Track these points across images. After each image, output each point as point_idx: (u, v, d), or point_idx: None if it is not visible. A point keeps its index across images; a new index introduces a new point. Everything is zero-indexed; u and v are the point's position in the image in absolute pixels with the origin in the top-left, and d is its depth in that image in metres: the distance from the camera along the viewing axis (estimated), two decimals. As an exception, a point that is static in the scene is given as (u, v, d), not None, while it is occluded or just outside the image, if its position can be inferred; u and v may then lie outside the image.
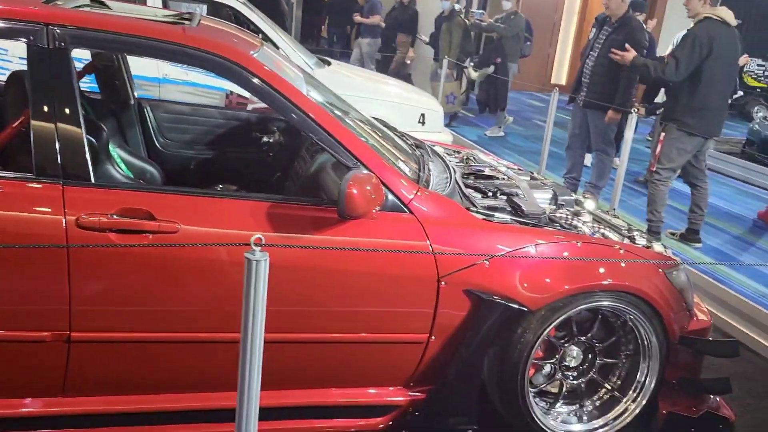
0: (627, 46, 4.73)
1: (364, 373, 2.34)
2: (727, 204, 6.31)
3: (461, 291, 2.26)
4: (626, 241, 2.72)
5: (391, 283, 2.20)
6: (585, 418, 2.55)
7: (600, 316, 2.51)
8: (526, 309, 2.29)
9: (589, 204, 3.24)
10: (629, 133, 4.55)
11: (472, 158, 3.38)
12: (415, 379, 2.37)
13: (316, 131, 2.19)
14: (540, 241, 2.36)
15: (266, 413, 2.24)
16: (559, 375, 2.54)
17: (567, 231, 2.53)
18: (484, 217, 2.40)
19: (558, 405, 2.55)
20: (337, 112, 2.60)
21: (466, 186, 2.78)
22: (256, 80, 2.14)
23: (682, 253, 4.83)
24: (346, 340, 2.23)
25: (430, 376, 2.37)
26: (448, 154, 3.53)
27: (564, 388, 2.55)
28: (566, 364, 2.55)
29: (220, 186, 2.95)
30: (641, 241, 2.78)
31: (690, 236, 4.99)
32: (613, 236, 2.72)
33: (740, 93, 8.08)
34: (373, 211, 2.13)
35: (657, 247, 2.80)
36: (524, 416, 2.40)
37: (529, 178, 3.31)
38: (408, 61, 9.76)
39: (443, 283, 2.23)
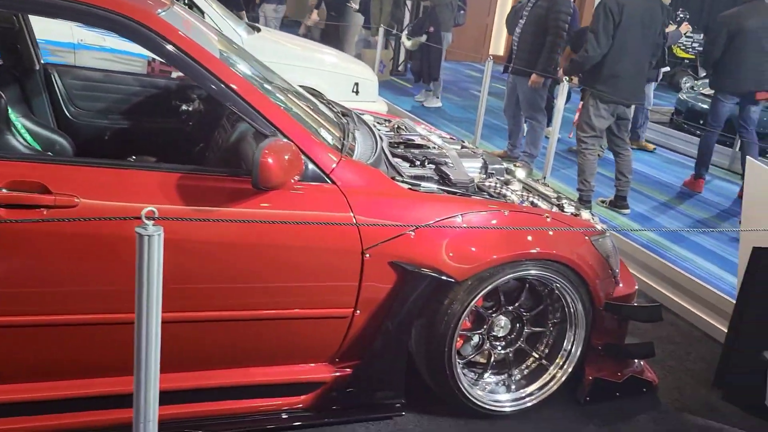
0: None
1: (287, 350, 2.26)
2: (656, 172, 6.47)
3: (386, 263, 2.19)
4: (554, 209, 2.71)
5: (312, 257, 2.11)
6: (513, 387, 2.55)
7: (527, 285, 2.49)
8: (452, 280, 2.25)
9: (520, 173, 3.23)
10: (560, 102, 4.56)
11: (403, 127, 3.30)
12: (341, 354, 2.30)
13: (231, 98, 2.06)
14: (467, 211, 2.31)
15: (182, 395, 2.15)
16: (487, 345, 2.52)
17: (495, 200, 2.49)
18: (410, 186, 2.33)
19: (486, 375, 2.54)
20: (257, 78, 2.47)
21: (394, 155, 2.71)
22: (159, 40, 1.98)
23: (611, 220, 4.92)
24: (266, 317, 2.13)
25: (356, 351, 2.31)
26: (378, 123, 3.45)
27: (492, 358, 2.54)
28: (494, 334, 2.53)
29: (133, 158, 2.78)
30: (569, 209, 2.78)
31: (618, 203, 5.10)
32: (542, 204, 2.70)
33: (667, 69, 8.20)
34: (292, 181, 2.02)
35: (584, 214, 2.81)
36: (451, 388, 2.37)
37: (459, 147, 3.28)
38: (309, 24, 9.48)
39: (367, 255, 2.16)
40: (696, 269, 4.14)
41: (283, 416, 2.28)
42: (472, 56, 12.20)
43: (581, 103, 4.82)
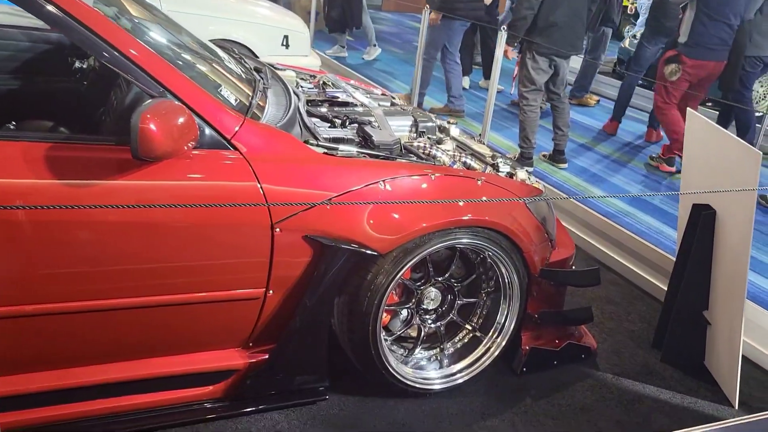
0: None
1: (192, 337, 2.03)
2: (597, 123, 6.37)
3: (300, 238, 1.97)
4: (488, 169, 2.53)
5: (214, 234, 1.87)
6: (445, 362, 2.39)
7: (458, 254, 2.31)
8: (375, 253, 2.05)
9: (454, 130, 3.03)
10: (498, 51, 4.35)
11: (328, 83, 3.04)
12: (255, 338, 2.09)
13: (110, 54, 1.76)
14: (390, 176, 2.10)
15: (78, 393, 1.92)
16: (416, 320, 2.35)
17: (423, 162, 2.28)
18: (326, 151, 2.10)
19: (417, 351, 2.37)
20: (151, 33, 2.17)
21: (312, 115, 2.46)
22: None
23: (551, 175, 4.80)
24: (164, 302, 1.89)
25: (271, 335, 2.10)
26: (302, 79, 3.18)
27: (423, 333, 2.37)
28: (424, 307, 2.36)
29: (12, 124, 2.44)
30: (505, 168, 2.61)
31: (556, 157, 5.01)
32: (475, 165, 2.52)
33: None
34: (186, 148, 1.77)
35: (521, 174, 2.64)
36: (377, 367, 2.20)
37: (389, 105, 3.05)
38: None
39: (277, 229, 1.93)
40: (636, 224, 4.06)
41: (194, 408, 2.07)
42: (414, 7, 11.82)
43: (519, 55, 4.64)
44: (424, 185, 2.15)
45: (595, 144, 5.75)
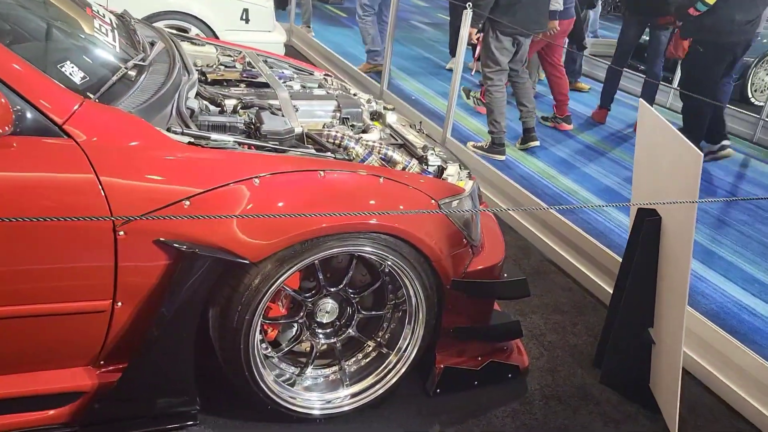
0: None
1: (31, 354, 1.75)
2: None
3: (151, 242, 1.68)
4: (414, 163, 2.23)
5: (45, 236, 1.59)
6: (346, 381, 2.11)
7: (357, 261, 2.02)
8: (246, 261, 1.76)
9: (391, 117, 2.73)
10: (464, 31, 4.01)
11: (265, 62, 2.82)
12: (106, 356, 1.82)
13: None
14: (268, 171, 1.80)
15: None
16: (306, 335, 2.06)
17: (319, 156, 1.98)
18: (192, 140, 1.80)
19: (309, 370, 2.09)
20: None
21: (203, 98, 2.17)
22: None
23: (521, 164, 4.47)
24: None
25: (126, 351, 1.82)
26: (227, 56, 2.89)
27: (315, 350, 2.08)
28: (319, 320, 2.07)
29: None
30: (435, 161, 2.31)
31: (526, 135, 4.75)
32: (398, 157, 2.22)
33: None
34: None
35: (451, 168, 2.33)
36: (253, 389, 1.92)
37: (317, 85, 2.76)
38: None
39: (121, 233, 1.64)
40: (606, 222, 3.74)
41: (35, 435, 1.80)
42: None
43: (480, 34, 4.31)
44: (306, 184, 1.85)
45: (579, 132, 5.42)
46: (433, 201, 2.04)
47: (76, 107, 1.63)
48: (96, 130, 1.64)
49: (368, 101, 2.83)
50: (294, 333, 2.06)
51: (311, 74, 3.06)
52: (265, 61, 2.97)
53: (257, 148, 1.92)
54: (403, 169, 2.24)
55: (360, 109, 2.52)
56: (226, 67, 2.75)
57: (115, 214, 1.63)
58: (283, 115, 2.19)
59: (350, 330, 2.10)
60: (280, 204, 1.80)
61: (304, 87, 2.71)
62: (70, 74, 1.74)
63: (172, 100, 1.96)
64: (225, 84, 2.59)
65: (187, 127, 1.87)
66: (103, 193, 1.61)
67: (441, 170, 2.32)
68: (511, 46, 4.29)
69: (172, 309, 1.76)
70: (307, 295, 2.01)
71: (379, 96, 5.28)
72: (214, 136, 1.85)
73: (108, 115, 1.69)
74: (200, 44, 2.88)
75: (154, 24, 4.63)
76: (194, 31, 4.68)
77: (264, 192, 1.78)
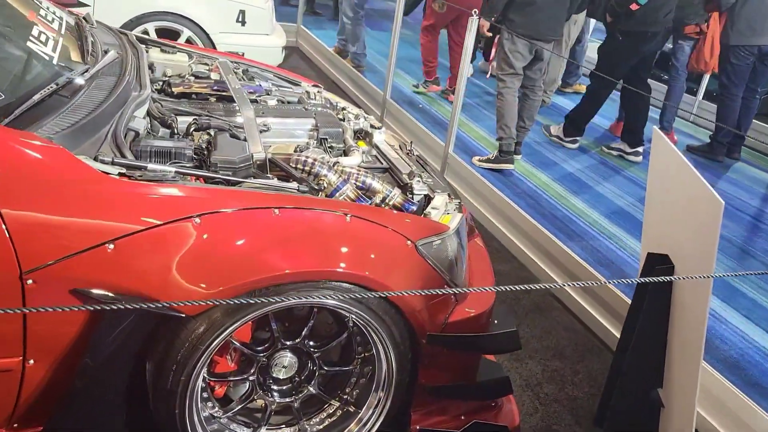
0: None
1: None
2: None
3: (66, 291, 1.44)
4: (397, 192, 1.97)
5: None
6: (306, 444, 1.85)
7: (314, 314, 1.76)
8: (180, 314, 1.51)
9: (378, 136, 2.47)
10: (469, 39, 3.73)
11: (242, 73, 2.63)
12: (20, 418, 1.57)
13: None
14: (211, 209, 1.54)
15: None
16: (257, 393, 1.80)
17: (280, 188, 1.72)
18: (124, 171, 1.55)
19: (263, 430, 1.83)
20: None
21: (154, 117, 1.92)
22: None
23: (528, 179, 4.17)
24: None
25: (44, 411, 1.58)
26: (203, 64, 2.67)
27: (270, 409, 1.82)
28: (275, 376, 1.81)
29: None
30: (421, 189, 2.06)
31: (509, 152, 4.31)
32: (377, 186, 1.97)
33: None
34: None
35: (438, 199, 2.07)
36: (191, 460, 1.66)
37: (296, 100, 2.53)
38: None
39: (30, 281, 1.40)
40: (619, 250, 3.44)
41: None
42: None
43: (497, 36, 4.08)
44: (256, 225, 1.59)
45: (593, 146, 5.11)
46: (409, 243, 1.77)
47: (-25, 134, 1.38)
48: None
49: (356, 117, 2.58)
50: (246, 390, 1.80)
51: (297, 85, 2.81)
52: (246, 71, 2.73)
53: (205, 179, 1.67)
54: (384, 199, 1.98)
55: (340, 129, 2.27)
56: (197, 77, 2.51)
57: (23, 259, 1.38)
58: (245, 138, 1.93)
59: (310, 387, 1.84)
60: (225, 248, 1.54)
61: (281, 102, 2.46)
62: (-21, 94, 1.50)
63: (110, 122, 1.71)
64: (194, 97, 2.35)
65: (121, 154, 1.61)
66: (7, 235, 1.37)
67: (428, 200, 2.06)
68: (528, 52, 4.02)
69: (98, 359, 1.51)
70: (260, 348, 1.75)
71: (382, 103, 5.02)
72: (151, 165, 1.59)
73: (14, 142, 1.44)
74: (172, 52, 2.63)
75: (145, 25, 4.46)
76: (186, 33, 4.45)
77: (205, 233, 1.52)
